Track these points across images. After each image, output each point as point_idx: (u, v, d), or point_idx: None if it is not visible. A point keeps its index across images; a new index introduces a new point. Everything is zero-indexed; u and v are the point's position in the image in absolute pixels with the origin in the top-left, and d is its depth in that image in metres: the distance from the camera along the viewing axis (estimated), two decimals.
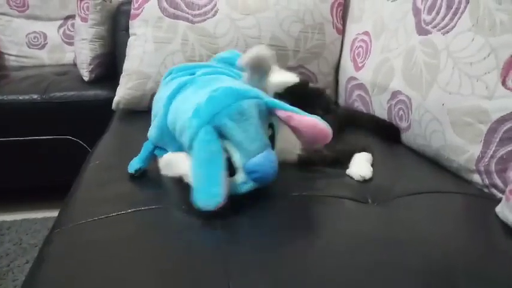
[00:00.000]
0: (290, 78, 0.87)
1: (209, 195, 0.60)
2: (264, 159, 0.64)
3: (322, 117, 0.86)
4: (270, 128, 0.69)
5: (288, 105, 0.69)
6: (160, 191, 0.73)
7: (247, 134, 0.64)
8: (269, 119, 0.69)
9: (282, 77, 0.86)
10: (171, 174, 0.71)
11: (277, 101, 0.69)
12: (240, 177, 0.65)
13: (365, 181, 0.77)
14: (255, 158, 0.63)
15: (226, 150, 0.64)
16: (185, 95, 0.73)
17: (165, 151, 0.75)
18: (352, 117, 1.11)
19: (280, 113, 0.67)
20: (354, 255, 0.55)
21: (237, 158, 0.64)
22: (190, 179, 0.64)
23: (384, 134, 1.05)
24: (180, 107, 0.71)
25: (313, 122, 0.67)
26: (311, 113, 0.87)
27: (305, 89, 0.90)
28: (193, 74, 0.80)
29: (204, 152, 0.62)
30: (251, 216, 0.65)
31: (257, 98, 0.67)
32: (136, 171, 0.77)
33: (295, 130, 0.68)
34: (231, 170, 0.64)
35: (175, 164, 0.70)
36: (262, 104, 0.67)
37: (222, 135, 0.64)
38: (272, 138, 0.70)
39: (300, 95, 0.90)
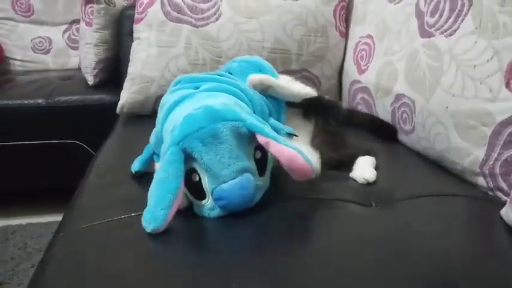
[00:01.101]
0: (309, 91, 0.87)
1: (152, 216, 0.59)
2: (233, 187, 0.61)
3: (332, 127, 0.86)
4: (259, 151, 0.66)
5: (270, 131, 0.65)
6: None
7: (219, 158, 0.61)
8: (256, 141, 0.65)
9: (301, 89, 0.87)
10: None
11: (258, 125, 0.65)
12: (207, 202, 0.63)
13: (369, 184, 0.77)
14: (224, 185, 0.61)
15: (197, 173, 0.63)
16: (182, 107, 0.71)
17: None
18: (348, 117, 1.10)
19: (260, 138, 0.64)
20: (357, 259, 0.55)
21: (206, 182, 0.62)
22: None
23: (381, 133, 1.06)
24: (172, 119, 0.70)
25: (292, 156, 0.63)
26: (324, 124, 0.88)
27: (320, 103, 0.90)
28: (198, 87, 0.78)
29: (163, 172, 0.61)
30: (253, 220, 0.65)
31: (237, 120, 0.64)
32: (136, 172, 0.79)
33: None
34: (201, 193, 0.63)
35: None
36: (242, 127, 0.64)
37: (192, 157, 0.62)
38: (263, 161, 0.67)
39: (314, 106, 0.90)
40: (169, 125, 0.68)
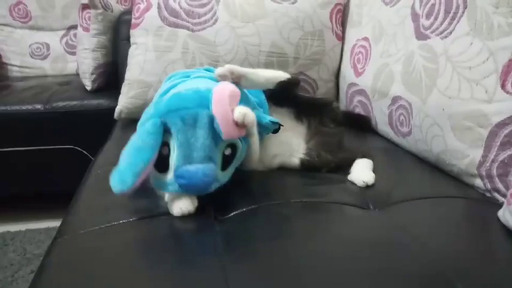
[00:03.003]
0: (280, 74, 0.85)
1: (120, 180, 0.61)
2: (197, 171, 0.63)
3: (328, 129, 0.87)
4: (229, 148, 0.68)
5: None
6: (161, 199, 0.74)
7: (193, 140, 0.64)
8: (230, 139, 0.68)
9: (272, 73, 0.84)
10: None
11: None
12: (168, 176, 0.65)
13: (366, 187, 0.77)
14: (190, 166, 0.63)
15: (169, 147, 0.65)
16: (174, 89, 0.75)
17: None
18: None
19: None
20: (355, 261, 0.55)
21: (174, 158, 0.64)
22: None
23: (356, 124, 1.12)
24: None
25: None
26: (320, 125, 0.88)
27: (296, 85, 0.89)
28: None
29: (140, 140, 0.64)
30: (251, 223, 0.65)
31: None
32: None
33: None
34: (165, 167, 0.65)
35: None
36: None
37: (170, 132, 0.65)
38: (230, 159, 0.69)
39: (309, 106, 0.89)
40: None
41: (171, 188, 0.65)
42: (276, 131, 0.79)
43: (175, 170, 0.64)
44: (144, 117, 0.71)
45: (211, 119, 0.65)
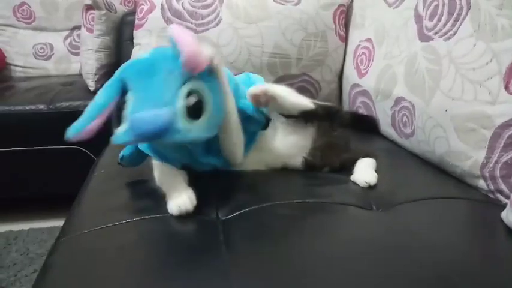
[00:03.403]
0: (307, 104, 0.84)
1: (74, 127, 0.62)
2: (143, 118, 0.60)
3: (339, 133, 0.87)
4: (194, 95, 0.64)
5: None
6: (163, 199, 0.74)
7: (147, 88, 0.62)
8: (192, 84, 0.64)
9: (299, 100, 0.83)
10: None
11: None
12: (122, 127, 0.63)
13: (369, 187, 0.77)
14: (137, 114, 0.60)
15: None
16: None
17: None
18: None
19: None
20: (358, 263, 0.55)
21: (128, 108, 0.63)
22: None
23: (361, 125, 1.10)
24: None
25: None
26: (329, 128, 0.87)
27: (317, 115, 0.86)
28: None
29: (97, 95, 0.65)
30: (254, 224, 0.65)
31: (174, 58, 0.62)
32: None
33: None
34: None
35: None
36: (177, 65, 0.62)
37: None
38: (198, 107, 0.65)
39: (319, 111, 0.89)
40: None
41: (125, 138, 0.63)
42: (265, 126, 0.78)
43: (128, 117, 0.62)
44: None
45: (166, 66, 0.63)
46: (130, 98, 0.63)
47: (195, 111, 0.64)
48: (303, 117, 0.84)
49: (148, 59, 0.65)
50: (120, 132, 0.63)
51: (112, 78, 0.66)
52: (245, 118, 0.76)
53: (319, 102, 0.90)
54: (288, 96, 0.79)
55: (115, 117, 0.66)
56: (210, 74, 0.67)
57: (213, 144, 0.74)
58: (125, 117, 0.63)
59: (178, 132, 0.62)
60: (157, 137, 0.62)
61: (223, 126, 0.71)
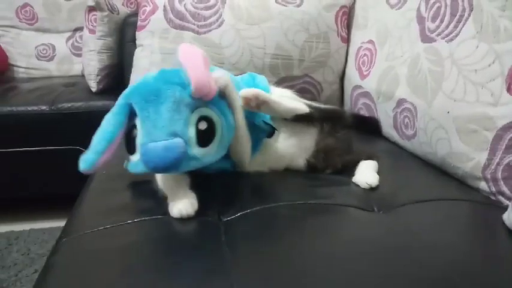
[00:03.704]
0: (301, 107, 0.84)
1: (84, 159, 0.63)
2: (157, 147, 0.60)
3: (342, 135, 0.87)
4: (204, 122, 0.65)
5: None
6: (164, 200, 0.74)
7: (156, 117, 0.62)
8: (201, 111, 0.65)
9: (293, 105, 0.82)
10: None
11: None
12: (135, 156, 0.65)
13: (371, 189, 0.77)
14: (151, 143, 0.61)
15: (137, 129, 0.65)
16: None
17: None
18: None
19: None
20: (359, 264, 0.55)
21: (139, 138, 0.63)
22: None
23: (364, 126, 1.11)
24: None
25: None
26: (332, 130, 0.87)
27: (311, 119, 0.86)
28: None
29: (105, 122, 0.65)
30: (255, 225, 0.65)
31: (181, 85, 0.64)
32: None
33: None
34: (135, 149, 0.65)
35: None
36: (186, 93, 0.64)
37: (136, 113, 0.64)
38: (209, 134, 0.66)
39: (322, 113, 0.89)
40: None
41: (140, 168, 0.64)
42: (270, 134, 0.79)
43: (140, 148, 0.63)
44: None
45: (174, 93, 0.63)
46: (139, 126, 0.64)
47: (207, 137, 0.65)
48: (304, 120, 0.84)
49: (155, 85, 0.65)
50: (134, 162, 0.66)
51: (118, 103, 0.66)
52: (251, 125, 0.77)
53: (323, 106, 0.90)
54: (280, 101, 0.78)
55: (125, 143, 0.68)
56: (219, 95, 0.68)
57: None
58: (137, 147, 0.64)
59: (191, 161, 0.64)
60: (173, 168, 0.63)
61: (233, 137, 0.72)
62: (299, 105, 0.84)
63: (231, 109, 0.71)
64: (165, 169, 0.63)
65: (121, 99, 0.66)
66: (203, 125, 0.65)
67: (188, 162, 0.63)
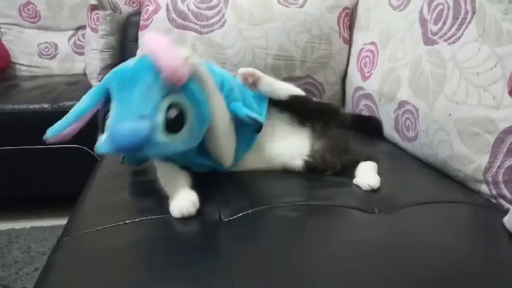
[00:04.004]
0: (296, 89, 0.88)
1: (53, 128, 0.65)
2: (122, 129, 0.60)
3: (336, 133, 0.87)
4: (174, 109, 0.64)
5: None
6: (166, 199, 0.74)
7: (128, 99, 0.62)
8: (173, 97, 0.64)
9: (287, 86, 0.87)
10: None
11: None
12: (103, 136, 0.64)
13: (371, 191, 0.77)
14: (118, 124, 0.61)
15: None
16: None
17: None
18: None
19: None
20: (360, 265, 0.55)
21: (109, 118, 0.63)
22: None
23: (366, 128, 1.12)
24: None
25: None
26: (325, 129, 0.88)
27: (309, 105, 0.89)
28: None
29: (81, 100, 0.67)
30: (256, 225, 0.65)
31: (157, 71, 0.63)
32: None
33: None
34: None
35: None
36: (158, 79, 0.63)
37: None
38: (178, 120, 0.65)
39: (314, 111, 0.89)
40: None
41: (105, 148, 0.64)
42: (258, 130, 0.79)
43: (108, 128, 0.63)
44: None
45: (147, 78, 0.63)
46: (112, 107, 0.64)
47: (175, 124, 0.64)
48: (300, 105, 0.86)
49: (132, 69, 0.66)
50: (101, 142, 0.64)
51: (97, 85, 0.68)
52: (239, 121, 0.76)
53: (317, 100, 0.91)
54: (274, 80, 0.84)
55: (100, 125, 0.67)
56: (191, 79, 0.67)
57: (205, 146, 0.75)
58: (106, 127, 0.63)
59: (156, 146, 0.62)
60: (136, 150, 0.63)
61: (209, 127, 0.71)
62: (294, 88, 0.88)
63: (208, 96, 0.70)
64: (127, 150, 0.66)
65: (101, 82, 0.67)
66: (173, 112, 0.64)
67: (153, 147, 0.62)
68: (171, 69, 0.62)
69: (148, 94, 0.62)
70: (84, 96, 0.68)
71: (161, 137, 0.62)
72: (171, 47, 0.63)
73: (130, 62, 0.68)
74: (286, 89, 0.86)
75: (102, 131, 0.65)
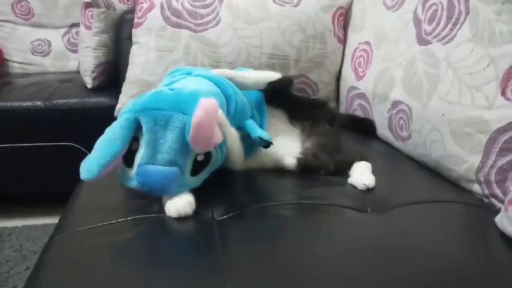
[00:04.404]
0: (271, 74, 0.88)
1: (88, 168, 0.63)
2: (156, 173, 0.64)
3: (324, 129, 0.86)
4: (203, 154, 0.68)
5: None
6: (158, 198, 0.74)
7: (161, 142, 0.65)
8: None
9: (262, 74, 0.87)
10: None
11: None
12: (132, 172, 0.66)
13: (366, 190, 0.77)
14: (151, 166, 0.64)
15: (138, 143, 0.66)
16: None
17: None
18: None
19: None
20: (353, 266, 0.55)
21: (139, 155, 0.65)
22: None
23: (360, 128, 1.13)
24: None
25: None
26: (314, 126, 0.88)
27: (289, 85, 0.90)
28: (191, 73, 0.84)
29: (111, 132, 0.65)
30: (249, 224, 0.65)
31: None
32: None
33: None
34: (131, 161, 0.66)
35: None
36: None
37: (141, 129, 0.66)
38: (203, 165, 0.69)
39: (302, 108, 0.90)
40: None
41: (132, 184, 0.66)
42: (266, 146, 0.80)
43: (138, 167, 0.65)
44: (125, 108, 0.71)
45: (182, 124, 0.65)
46: (142, 144, 0.65)
47: (200, 168, 0.69)
48: (287, 111, 0.86)
49: (167, 112, 0.66)
50: (127, 176, 0.67)
51: (127, 117, 0.66)
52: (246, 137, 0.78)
53: (305, 96, 0.92)
54: (245, 74, 0.85)
55: (126, 157, 0.67)
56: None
57: None
58: (135, 163, 0.65)
59: (182, 186, 0.67)
60: (162, 192, 0.66)
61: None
62: (269, 73, 0.88)
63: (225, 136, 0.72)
64: (155, 192, 0.67)
65: (130, 113, 0.66)
66: (201, 157, 0.68)
67: (177, 188, 0.66)
68: (202, 148, 0.66)
69: (182, 140, 0.65)
70: (114, 129, 0.66)
71: (186, 179, 0.67)
72: (213, 129, 0.65)
73: (164, 96, 0.68)
74: (262, 79, 0.86)
75: (125, 160, 0.67)
